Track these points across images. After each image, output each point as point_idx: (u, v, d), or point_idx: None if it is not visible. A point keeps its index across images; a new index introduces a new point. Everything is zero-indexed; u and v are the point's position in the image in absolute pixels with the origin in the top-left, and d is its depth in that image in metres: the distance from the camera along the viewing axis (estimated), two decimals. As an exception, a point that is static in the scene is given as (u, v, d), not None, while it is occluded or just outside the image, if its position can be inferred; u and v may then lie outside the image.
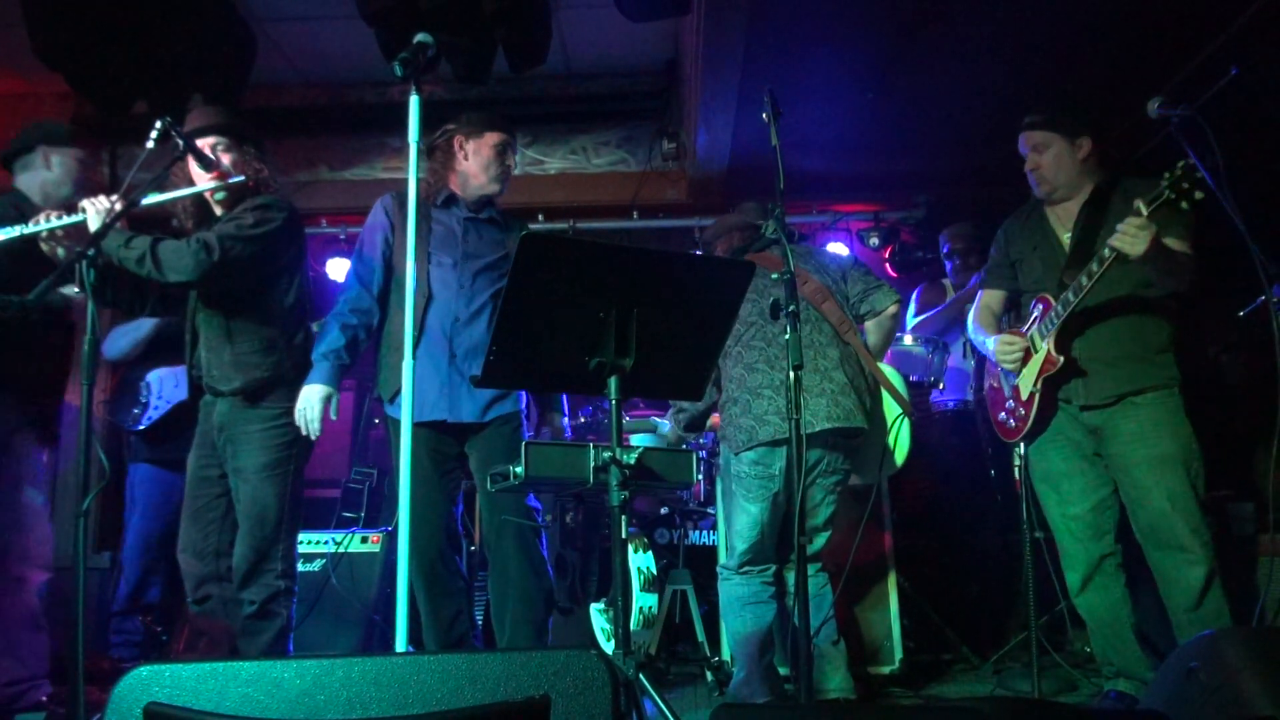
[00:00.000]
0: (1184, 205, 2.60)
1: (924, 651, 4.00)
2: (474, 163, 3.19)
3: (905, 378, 4.19)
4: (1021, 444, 3.13)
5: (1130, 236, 2.64)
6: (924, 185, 5.68)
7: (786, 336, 2.36)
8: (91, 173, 3.67)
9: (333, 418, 3.00)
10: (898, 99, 4.79)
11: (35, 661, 3.21)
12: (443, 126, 3.25)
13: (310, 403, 2.95)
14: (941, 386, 4.33)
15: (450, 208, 3.21)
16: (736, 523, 3.11)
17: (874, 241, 5.65)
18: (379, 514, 4.63)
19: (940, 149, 5.27)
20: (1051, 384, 3.00)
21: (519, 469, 2.11)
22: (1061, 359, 2.93)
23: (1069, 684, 3.35)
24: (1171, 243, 2.79)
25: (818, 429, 3.00)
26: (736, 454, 3.10)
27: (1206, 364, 4.81)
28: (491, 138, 3.20)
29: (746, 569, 3.09)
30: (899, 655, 3.60)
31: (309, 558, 4.00)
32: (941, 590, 4.29)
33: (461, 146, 3.20)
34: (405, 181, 2.59)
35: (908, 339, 4.37)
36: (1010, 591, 4.29)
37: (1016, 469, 3.29)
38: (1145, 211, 2.63)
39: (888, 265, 5.72)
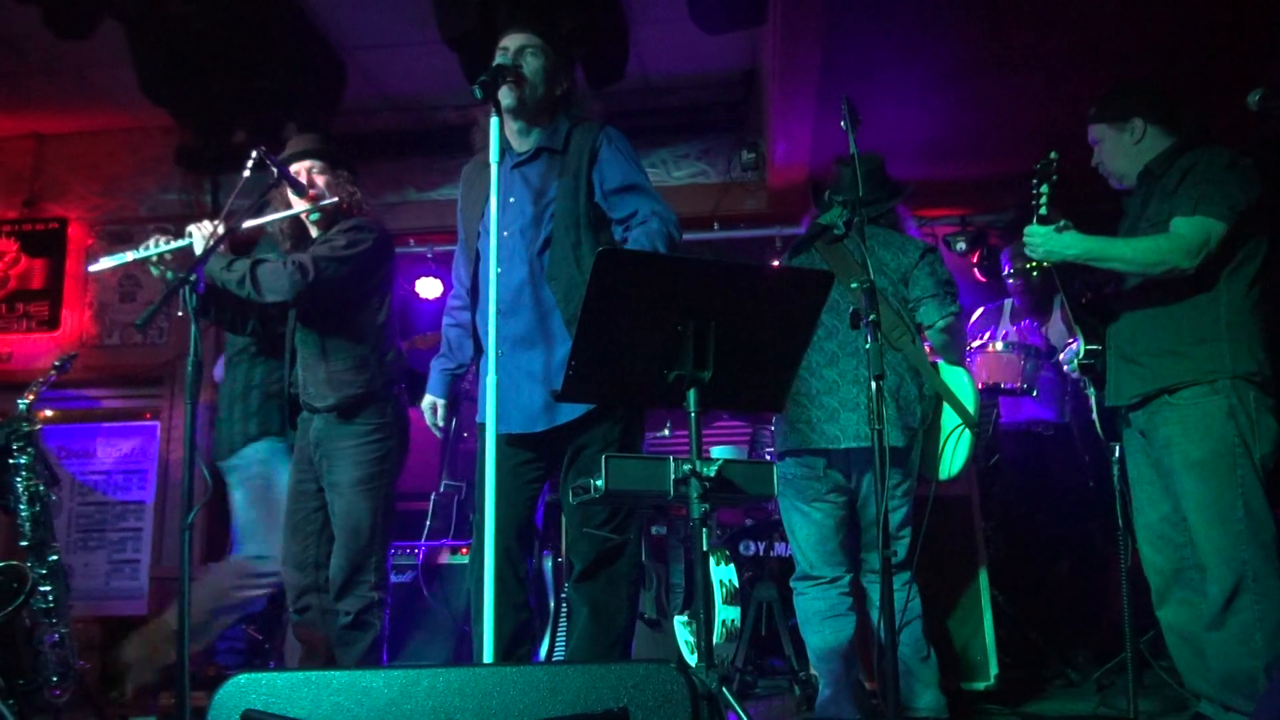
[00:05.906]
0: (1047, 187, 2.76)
1: (1020, 666, 3.87)
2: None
3: (995, 385, 4.06)
4: (1116, 449, 3.01)
5: (1030, 245, 2.79)
6: (1012, 187, 5.52)
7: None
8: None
9: (439, 422, 2.98)
10: (981, 101, 4.68)
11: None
12: None
13: (425, 414, 2.98)
14: (1035, 394, 4.19)
15: (504, 159, 2.61)
16: (798, 533, 3.06)
17: (960, 246, 5.49)
18: (468, 526, 4.71)
19: (1028, 149, 5.12)
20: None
21: (599, 482, 2.12)
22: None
23: (1178, 703, 3.19)
24: (1179, 222, 2.62)
25: (841, 446, 2.90)
26: (779, 460, 3.09)
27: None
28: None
29: (817, 580, 3.03)
30: (994, 670, 3.47)
31: (400, 569, 4.09)
32: (1038, 603, 4.15)
33: None
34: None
35: (997, 344, 4.24)
36: (1115, 605, 4.13)
37: (1116, 477, 3.16)
38: (1034, 221, 2.76)
39: (976, 270, 5.55)
